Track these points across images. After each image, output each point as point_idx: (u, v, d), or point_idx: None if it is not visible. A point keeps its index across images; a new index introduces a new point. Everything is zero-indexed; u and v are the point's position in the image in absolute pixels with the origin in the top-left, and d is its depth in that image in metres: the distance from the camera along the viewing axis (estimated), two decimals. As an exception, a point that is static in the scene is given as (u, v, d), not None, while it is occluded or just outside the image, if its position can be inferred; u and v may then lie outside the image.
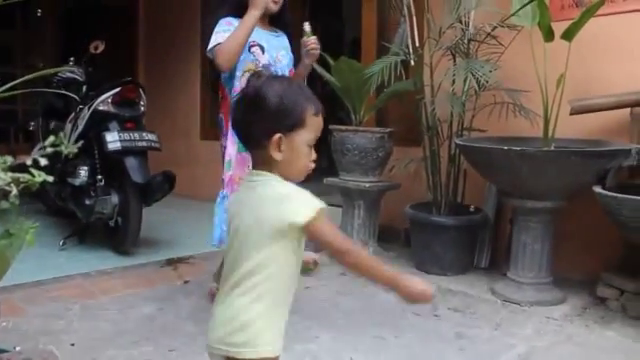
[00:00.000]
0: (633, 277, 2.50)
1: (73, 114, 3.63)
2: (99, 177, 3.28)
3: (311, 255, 2.86)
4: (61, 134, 1.23)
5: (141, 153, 3.24)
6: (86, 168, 3.33)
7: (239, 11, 2.25)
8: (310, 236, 1.14)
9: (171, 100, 5.63)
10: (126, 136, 3.19)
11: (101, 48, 3.83)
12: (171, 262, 3.19)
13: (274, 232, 1.12)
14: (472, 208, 3.13)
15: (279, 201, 1.13)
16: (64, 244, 3.41)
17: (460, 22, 2.97)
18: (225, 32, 2.24)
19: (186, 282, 2.88)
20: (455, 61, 3.03)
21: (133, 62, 6.05)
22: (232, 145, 2.32)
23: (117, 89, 3.32)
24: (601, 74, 2.82)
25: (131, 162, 3.17)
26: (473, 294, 2.75)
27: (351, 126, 3.38)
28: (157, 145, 3.32)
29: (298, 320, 2.15)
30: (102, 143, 3.15)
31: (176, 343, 2.12)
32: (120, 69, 5.17)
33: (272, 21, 2.43)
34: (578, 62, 2.62)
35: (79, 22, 6.13)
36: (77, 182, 3.32)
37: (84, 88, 3.82)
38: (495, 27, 2.89)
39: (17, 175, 1.22)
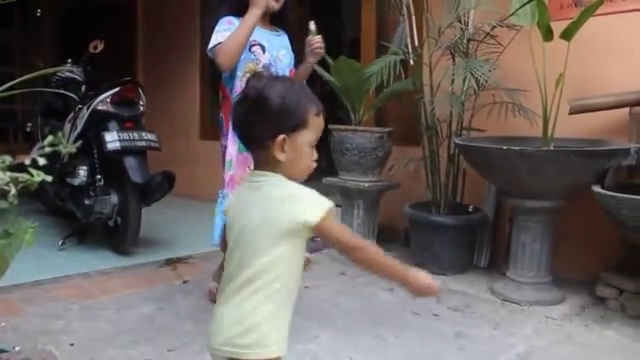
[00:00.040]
0: (632, 276, 2.50)
1: (72, 114, 3.63)
2: (98, 177, 3.28)
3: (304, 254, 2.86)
4: (60, 134, 1.23)
5: (140, 153, 3.24)
6: (85, 168, 3.33)
7: (240, 10, 2.24)
8: (321, 235, 1.15)
9: (170, 100, 5.63)
10: (125, 136, 3.18)
11: (100, 48, 3.82)
12: (170, 262, 3.19)
13: (285, 232, 1.13)
14: (471, 208, 3.13)
15: (289, 201, 1.14)
16: (63, 244, 3.41)
17: (459, 22, 2.97)
18: (226, 31, 2.24)
19: (185, 282, 2.88)
20: (454, 61, 3.03)
21: (132, 62, 6.05)
22: (233, 145, 2.31)
23: (116, 89, 3.32)
24: (600, 73, 2.82)
25: (130, 162, 3.17)
26: (472, 294, 2.75)
27: (350, 126, 3.38)
28: (156, 145, 3.32)
29: (298, 320, 2.15)
30: (101, 143, 3.15)
31: (175, 343, 2.12)
32: (119, 69, 5.17)
33: (273, 20, 2.43)
34: (577, 62, 2.62)
35: (78, 22, 6.13)
36: (76, 182, 3.32)
37: (83, 88, 3.81)
38: (494, 27, 2.89)
39: (16, 175, 1.22)
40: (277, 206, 1.15)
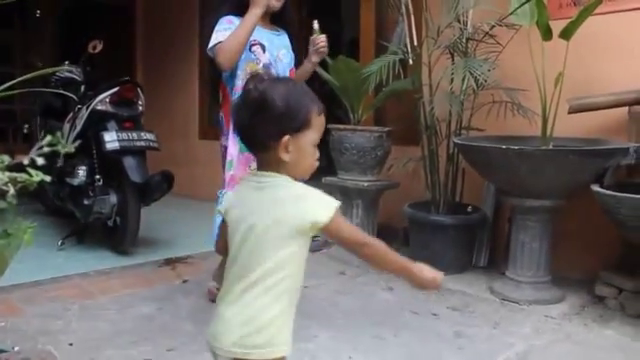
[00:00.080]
0: (631, 276, 2.50)
1: (71, 114, 3.62)
2: (97, 177, 3.28)
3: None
4: (58, 133, 1.23)
5: (139, 153, 3.24)
6: (84, 168, 3.33)
7: (240, 9, 2.23)
8: (330, 233, 1.17)
9: (170, 100, 5.63)
10: (124, 136, 3.18)
11: (99, 48, 3.82)
12: (170, 262, 3.19)
13: (295, 232, 1.15)
14: (469, 209, 3.13)
15: (298, 201, 1.16)
16: (62, 244, 3.41)
17: (458, 21, 2.97)
18: (226, 30, 2.23)
19: (185, 282, 2.88)
20: (453, 60, 3.03)
21: (131, 62, 6.05)
22: (234, 145, 2.31)
23: (115, 89, 3.32)
24: (599, 73, 2.82)
25: (129, 162, 3.16)
26: (472, 293, 2.75)
27: (349, 125, 3.38)
28: (155, 145, 3.32)
29: (297, 319, 2.15)
30: (100, 143, 3.15)
31: (175, 343, 2.12)
32: (118, 69, 5.17)
33: (273, 19, 2.42)
34: (576, 61, 2.62)
35: (77, 22, 6.13)
36: (75, 182, 3.32)
37: (82, 88, 3.81)
38: (493, 26, 2.89)
39: (14, 175, 1.22)
40: (286, 207, 1.16)
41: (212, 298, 2.55)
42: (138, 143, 3.22)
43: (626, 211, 2.21)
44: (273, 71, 2.32)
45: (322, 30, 2.44)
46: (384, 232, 3.54)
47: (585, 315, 2.49)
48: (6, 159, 1.27)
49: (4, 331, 2.17)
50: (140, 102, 3.45)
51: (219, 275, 2.49)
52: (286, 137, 1.15)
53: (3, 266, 1.50)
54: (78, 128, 3.42)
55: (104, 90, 3.34)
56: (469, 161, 2.88)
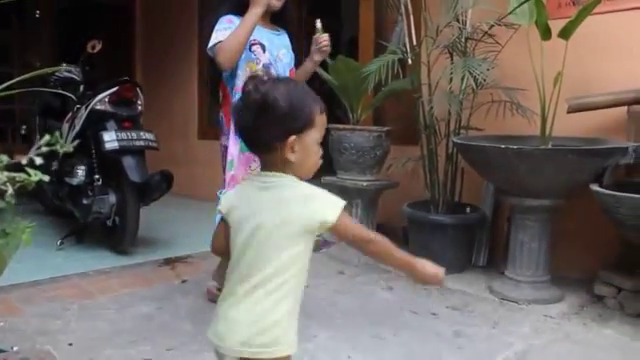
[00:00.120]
0: (630, 275, 2.50)
1: (70, 114, 3.62)
2: (97, 177, 3.28)
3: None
4: (56, 133, 1.23)
5: (139, 152, 3.24)
6: (84, 167, 3.33)
7: (240, 9, 2.22)
8: (338, 232, 1.19)
9: (169, 99, 5.63)
10: (123, 135, 3.18)
11: (98, 47, 3.81)
12: (169, 261, 3.19)
13: (303, 231, 1.17)
14: (468, 210, 3.11)
15: (305, 201, 1.18)
16: (62, 244, 3.41)
17: (457, 21, 2.97)
18: (226, 30, 2.22)
19: (184, 281, 2.88)
20: (452, 59, 3.03)
21: (131, 61, 6.05)
22: (234, 145, 2.30)
23: (114, 88, 3.32)
24: (598, 72, 2.82)
25: (129, 161, 3.16)
26: (471, 292, 2.75)
27: (348, 125, 3.38)
28: (155, 144, 3.31)
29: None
30: (99, 142, 3.15)
31: (174, 342, 2.12)
32: (118, 68, 5.17)
33: (273, 19, 2.42)
34: (575, 60, 2.62)
35: (76, 21, 6.13)
36: (75, 182, 3.32)
37: (81, 87, 3.81)
38: (492, 26, 2.89)
39: (13, 174, 1.22)
40: (294, 206, 1.17)
41: (211, 298, 2.55)
42: (137, 143, 3.21)
43: (625, 210, 2.21)
44: (273, 71, 2.31)
45: (322, 29, 2.44)
46: (383, 232, 3.51)
47: (584, 314, 2.49)
48: (5, 159, 1.27)
49: (3, 331, 2.17)
50: (139, 102, 3.45)
51: (219, 275, 2.49)
52: (292, 137, 1.16)
53: (2, 266, 1.50)
54: (77, 128, 3.41)
55: (103, 90, 3.33)
56: (468, 160, 2.88)
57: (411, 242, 3.21)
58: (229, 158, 2.32)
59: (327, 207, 1.17)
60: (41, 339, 2.10)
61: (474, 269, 3.12)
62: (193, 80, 5.46)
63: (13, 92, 1.62)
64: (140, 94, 3.46)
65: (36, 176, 1.20)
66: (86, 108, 3.36)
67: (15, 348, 2.01)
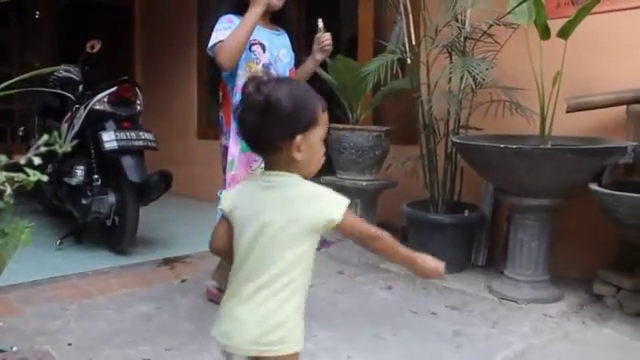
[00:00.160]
0: (629, 274, 2.51)
1: (69, 113, 3.62)
2: (96, 177, 3.27)
3: None
4: (55, 133, 1.23)
5: (138, 152, 3.24)
6: (83, 167, 3.32)
7: (240, 8, 2.22)
8: (343, 230, 1.20)
9: (168, 99, 5.62)
10: (122, 135, 3.18)
11: (97, 47, 3.81)
12: (168, 261, 3.19)
13: (309, 230, 1.18)
14: (466, 213, 3.10)
15: (311, 200, 1.19)
16: (61, 244, 3.41)
17: (456, 20, 2.97)
18: (226, 30, 2.21)
19: (183, 281, 2.88)
20: (451, 59, 3.02)
21: (130, 61, 6.04)
22: (235, 145, 2.29)
23: (113, 88, 3.31)
24: (597, 72, 2.82)
25: (128, 161, 3.16)
26: (470, 292, 2.75)
27: (348, 125, 3.38)
28: (154, 144, 3.31)
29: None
30: (98, 142, 3.15)
31: (173, 342, 2.12)
32: (117, 68, 5.17)
33: (273, 19, 2.42)
34: (574, 60, 2.62)
35: (75, 21, 6.12)
36: (74, 182, 3.31)
37: (80, 87, 3.80)
38: (491, 25, 2.89)
39: (11, 174, 1.22)
40: (300, 206, 1.18)
41: (210, 298, 2.55)
42: (136, 143, 3.21)
43: (624, 210, 2.21)
44: (273, 71, 2.31)
45: (324, 28, 2.44)
46: (383, 231, 3.54)
47: (583, 314, 2.50)
48: (3, 159, 1.27)
49: (2, 331, 2.17)
50: (138, 102, 3.45)
51: (218, 275, 2.49)
52: (299, 137, 1.16)
53: (1, 266, 1.50)
54: (76, 128, 3.41)
55: (102, 90, 3.33)
56: (467, 160, 2.88)
57: (410, 242, 3.21)
58: (229, 158, 2.31)
59: (333, 206, 1.18)
60: (40, 339, 2.10)
61: (473, 268, 3.12)
62: (192, 80, 5.46)
63: (12, 92, 1.62)
64: (139, 94, 3.46)
65: (35, 176, 1.20)
66: (85, 108, 3.36)
67: (14, 348, 2.01)
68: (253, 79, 1.22)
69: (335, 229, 1.19)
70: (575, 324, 2.38)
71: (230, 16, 2.26)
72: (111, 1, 6.11)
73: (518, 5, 2.64)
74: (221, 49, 2.18)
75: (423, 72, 3.12)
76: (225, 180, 2.34)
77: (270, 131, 1.16)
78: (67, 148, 1.24)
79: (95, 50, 3.82)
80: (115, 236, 3.35)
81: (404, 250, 1.28)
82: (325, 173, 3.43)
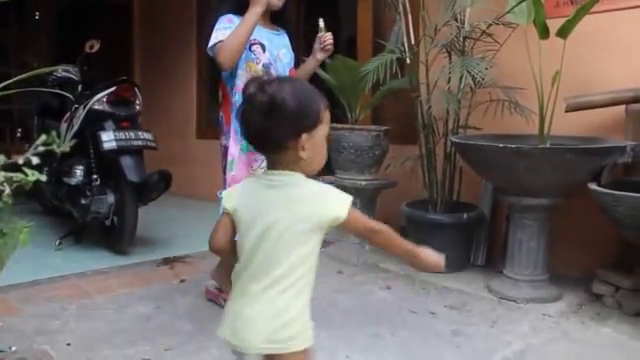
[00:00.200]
0: (628, 274, 2.51)
1: (68, 113, 3.62)
2: (95, 176, 3.27)
3: None
4: (53, 133, 1.22)
5: (137, 152, 3.24)
6: (82, 167, 3.32)
7: (240, 8, 2.21)
8: (348, 226, 1.22)
9: (167, 99, 5.62)
10: (122, 135, 3.18)
11: (96, 47, 3.81)
12: (167, 261, 3.19)
13: (315, 228, 1.19)
14: (465, 216, 3.08)
15: (316, 199, 1.20)
16: (60, 244, 3.41)
17: (455, 20, 2.97)
18: (226, 29, 2.20)
19: (182, 281, 2.88)
20: (451, 59, 3.02)
21: (129, 61, 6.04)
22: (235, 145, 2.29)
23: (112, 88, 3.31)
24: (596, 71, 2.83)
25: (127, 161, 3.16)
26: (469, 292, 2.75)
27: (347, 124, 3.38)
28: (153, 144, 3.31)
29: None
30: (98, 142, 3.14)
31: (172, 342, 2.12)
32: (116, 68, 5.16)
33: (273, 19, 2.42)
34: (574, 59, 2.62)
35: (74, 21, 6.11)
36: (73, 182, 3.31)
37: (79, 87, 3.80)
38: (490, 25, 2.89)
39: (10, 174, 1.22)
40: (305, 204, 1.19)
41: (210, 297, 2.55)
42: (135, 142, 3.21)
43: (623, 209, 2.21)
44: (273, 71, 2.31)
45: (325, 28, 2.44)
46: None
47: (582, 313, 2.50)
48: (2, 159, 1.27)
49: (1, 331, 2.17)
50: (137, 101, 3.45)
51: (218, 274, 2.49)
52: (304, 136, 1.17)
53: (0, 266, 1.50)
54: (75, 128, 3.41)
55: (101, 89, 3.33)
56: (466, 160, 2.88)
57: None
58: (229, 158, 2.31)
59: (338, 203, 1.19)
60: (39, 339, 2.10)
61: (472, 268, 3.12)
62: (192, 80, 5.45)
63: (11, 92, 1.61)
64: (138, 94, 3.46)
65: (33, 176, 1.20)
66: (84, 108, 3.36)
67: (13, 348, 2.01)
68: (255, 80, 1.22)
69: (341, 225, 1.21)
70: (574, 324, 2.39)
71: (230, 16, 2.26)
72: (111, 1, 6.11)
73: (517, 4, 2.64)
74: (221, 49, 2.18)
75: (422, 72, 3.12)
76: (225, 180, 2.34)
77: (276, 131, 1.16)
78: (66, 148, 1.24)
79: (94, 50, 3.82)
80: (114, 236, 3.34)
81: (405, 243, 1.30)
82: (324, 173, 3.43)
